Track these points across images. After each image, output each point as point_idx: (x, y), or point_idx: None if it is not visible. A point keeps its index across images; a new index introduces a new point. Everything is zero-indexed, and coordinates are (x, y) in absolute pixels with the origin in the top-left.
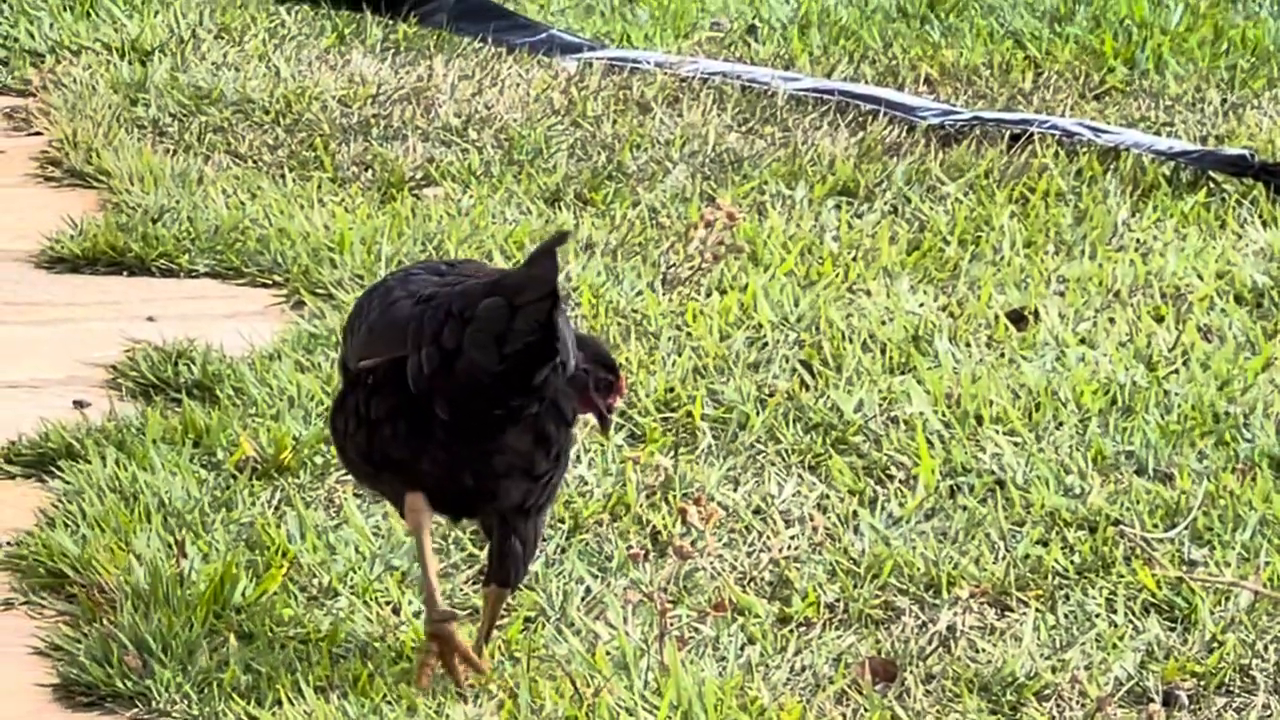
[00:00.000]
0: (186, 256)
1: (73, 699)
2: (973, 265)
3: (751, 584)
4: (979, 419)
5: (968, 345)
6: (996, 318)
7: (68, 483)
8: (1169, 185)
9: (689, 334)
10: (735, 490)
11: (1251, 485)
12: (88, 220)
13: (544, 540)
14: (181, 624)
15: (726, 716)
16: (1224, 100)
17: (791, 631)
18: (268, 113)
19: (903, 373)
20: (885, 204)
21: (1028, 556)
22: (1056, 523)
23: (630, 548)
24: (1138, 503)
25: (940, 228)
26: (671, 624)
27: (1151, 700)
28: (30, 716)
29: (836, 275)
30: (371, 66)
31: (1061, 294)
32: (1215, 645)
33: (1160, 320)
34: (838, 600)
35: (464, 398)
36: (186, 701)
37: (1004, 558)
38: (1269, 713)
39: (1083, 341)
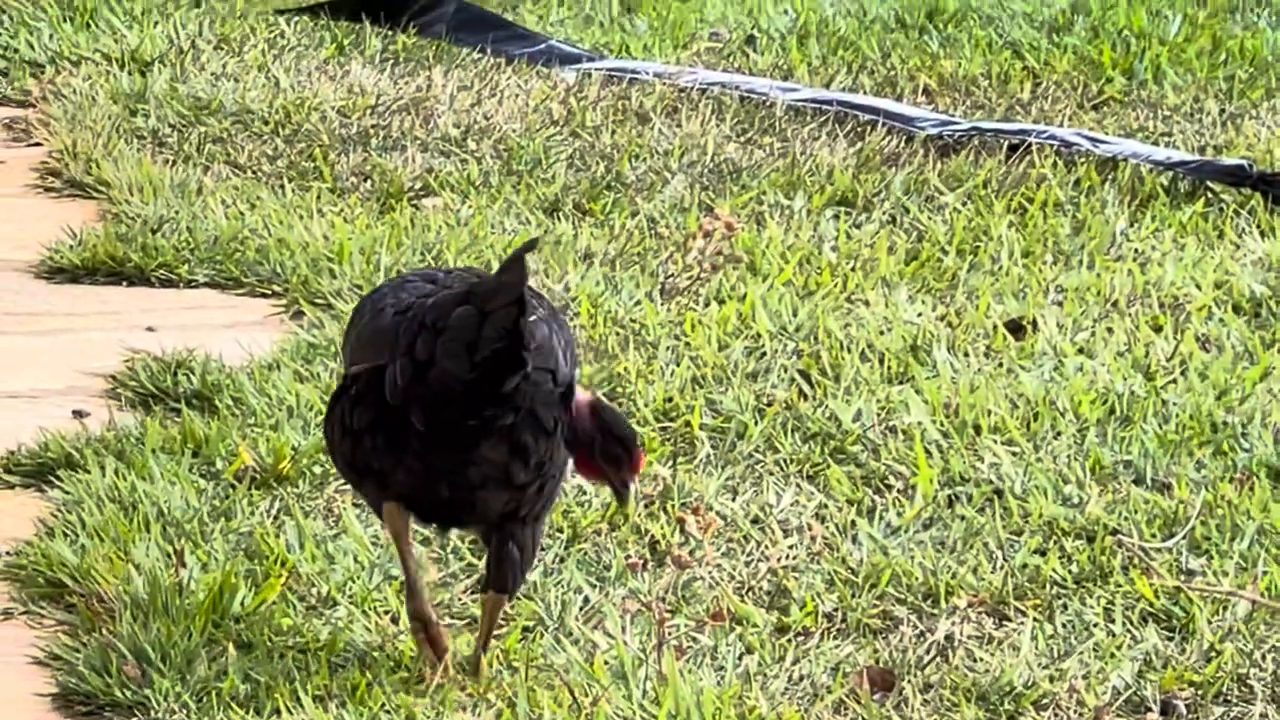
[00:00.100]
0: (186, 267)
1: (72, 708)
2: (971, 275)
3: (750, 593)
4: (977, 429)
5: (966, 355)
6: (995, 327)
7: (67, 492)
8: (1167, 195)
9: (687, 344)
10: (733, 500)
11: (1249, 495)
12: (87, 230)
13: (542, 549)
14: (180, 633)
15: None
16: (1222, 110)
17: (790, 641)
18: (267, 123)
19: (901, 382)
20: (883, 214)
21: (1026, 566)
22: (1054, 532)
23: (629, 557)
24: (1136, 512)
25: (938, 238)
26: (670, 633)
27: (1149, 710)
28: None
29: (835, 285)
30: (371, 77)
31: (1060, 304)
32: (1213, 655)
33: (1158, 330)
34: (836, 610)
35: (438, 407)
36: (185, 711)
37: (1002, 567)
38: None
39: (1081, 351)
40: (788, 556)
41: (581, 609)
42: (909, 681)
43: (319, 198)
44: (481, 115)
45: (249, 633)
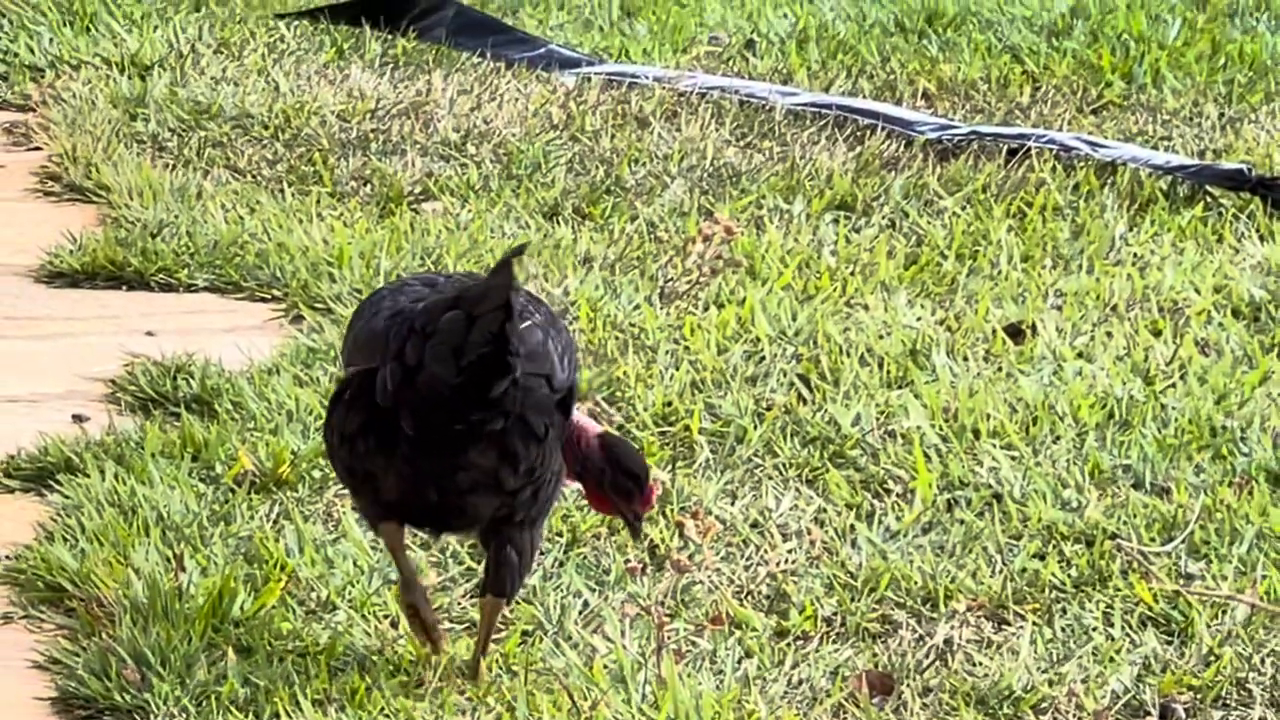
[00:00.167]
0: (185, 271)
1: (71, 712)
2: (970, 279)
3: (749, 597)
4: (976, 433)
5: (965, 359)
6: (994, 332)
7: (66, 497)
8: (1166, 200)
9: (687, 348)
10: (733, 504)
11: (1248, 499)
12: (87, 235)
13: (541, 553)
14: (180, 638)
15: None
16: (1221, 115)
17: (789, 645)
18: (267, 127)
19: (900, 387)
20: (883, 218)
21: (1025, 570)
22: (1053, 536)
23: (628, 561)
24: (1135, 516)
25: (938, 242)
26: (669, 637)
27: (1148, 714)
28: None
29: (834, 289)
30: (370, 81)
31: (1059, 308)
32: (1212, 659)
33: (1158, 334)
34: (835, 613)
35: (426, 411)
36: (185, 715)
37: (1001, 571)
38: None
39: (1080, 355)
40: (787, 560)
41: (581, 613)
42: (908, 685)
43: (318, 202)
44: (481, 119)
45: (248, 637)
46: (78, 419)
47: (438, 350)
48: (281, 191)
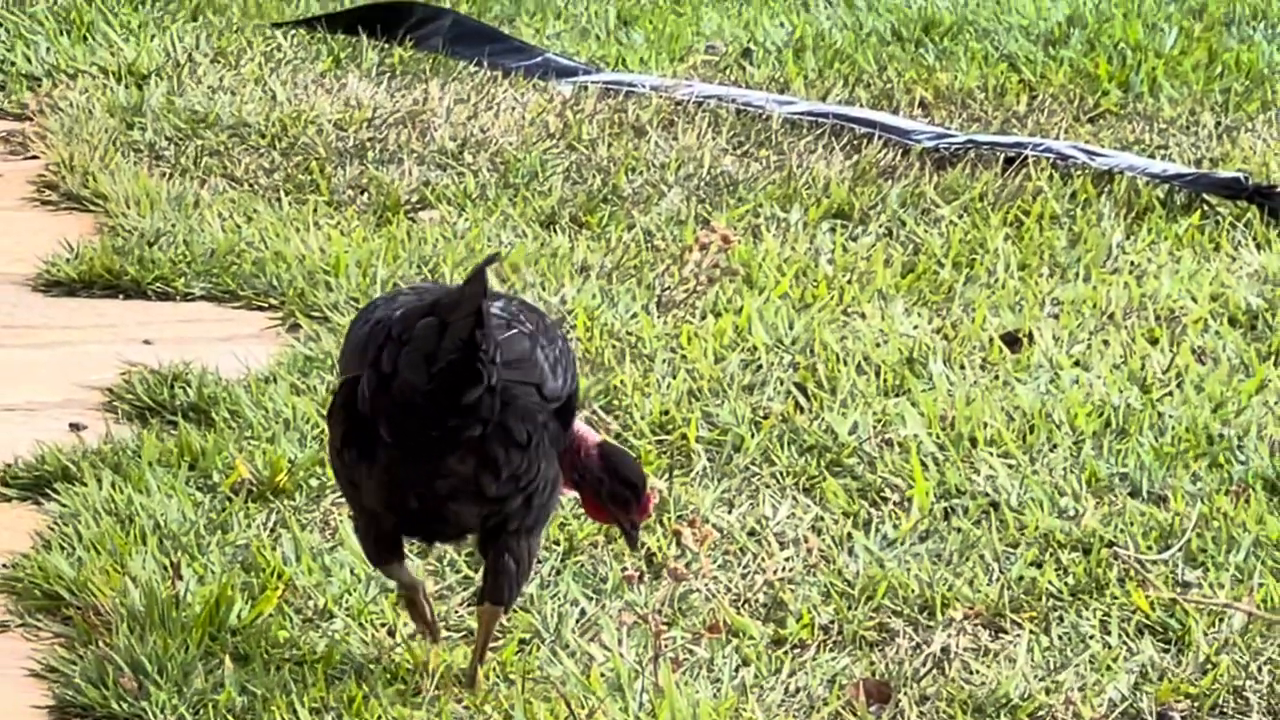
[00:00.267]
0: (182, 280)
1: None
2: (967, 288)
3: (746, 606)
4: (973, 441)
5: (962, 368)
6: (991, 340)
7: (64, 505)
8: (1163, 208)
9: (684, 356)
10: (730, 512)
11: (1245, 507)
12: (84, 243)
13: (539, 562)
14: (177, 646)
15: None
16: (1218, 123)
17: (786, 653)
18: (264, 136)
19: (897, 395)
20: (880, 227)
21: (1022, 578)
22: (1050, 544)
23: (625, 570)
24: (1132, 524)
25: (935, 250)
26: (666, 646)
27: None
28: None
29: (831, 298)
30: (367, 90)
31: (1056, 316)
32: (1209, 667)
33: (1154, 343)
34: (832, 622)
35: (401, 418)
36: None
37: (998, 579)
38: None
39: (1077, 364)
40: (784, 569)
41: (578, 621)
42: (905, 694)
43: (315, 210)
44: (478, 128)
45: (245, 645)
46: (75, 427)
47: (411, 357)
48: (278, 200)
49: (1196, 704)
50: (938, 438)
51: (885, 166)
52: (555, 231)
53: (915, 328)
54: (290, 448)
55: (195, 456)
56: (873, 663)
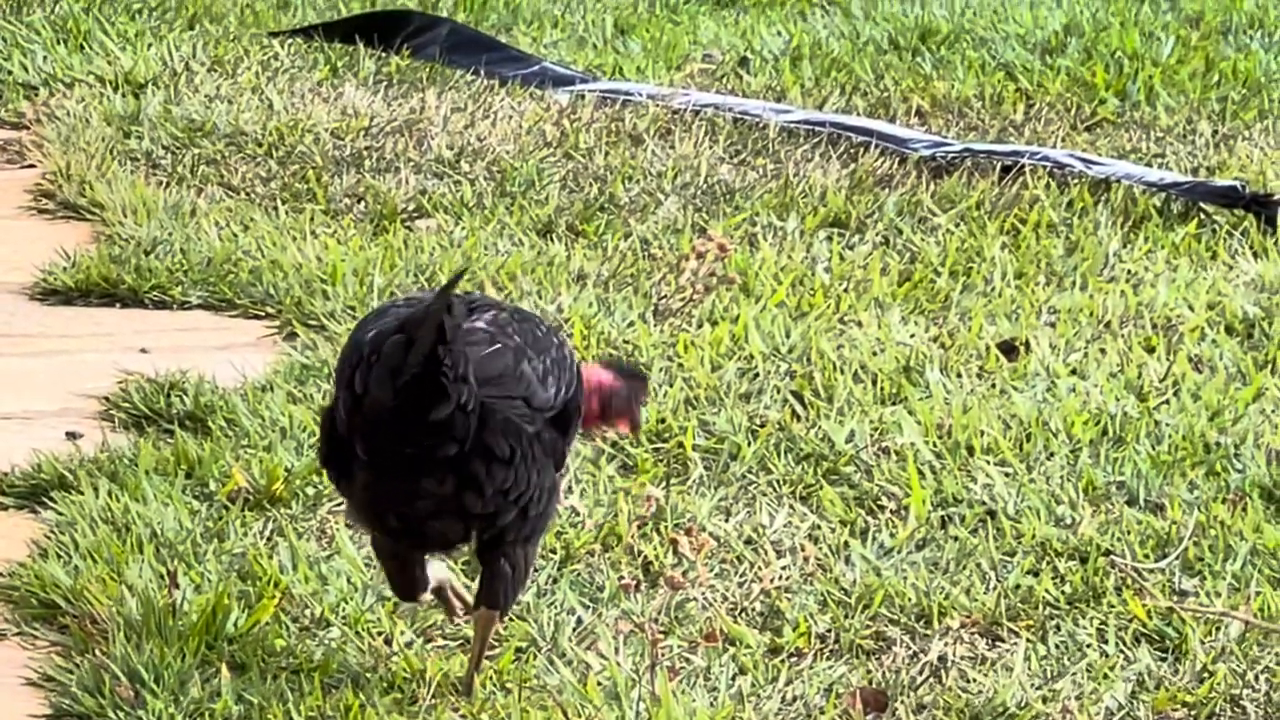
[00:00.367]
0: (179, 288)
1: None
2: (964, 296)
3: (743, 614)
4: (970, 449)
5: (959, 376)
6: (988, 348)
7: (60, 514)
8: (1160, 216)
9: (680, 365)
10: (727, 521)
11: (1242, 515)
12: (81, 252)
13: (535, 570)
14: (174, 654)
15: None
16: (1215, 132)
17: (783, 662)
18: (260, 145)
19: (894, 403)
20: (877, 235)
21: (1019, 587)
22: (1047, 553)
23: (622, 578)
24: (1128, 533)
25: (931, 259)
26: (663, 654)
27: None
28: None
29: (828, 306)
30: (364, 99)
31: (1052, 325)
32: (1206, 675)
33: (1151, 351)
34: (829, 630)
35: (373, 437)
36: None
37: (995, 588)
38: None
39: (1074, 372)
40: (781, 577)
41: (575, 630)
42: (902, 702)
43: (312, 219)
44: (475, 137)
45: (242, 654)
46: (71, 436)
47: (378, 374)
48: (275, 209)
49: (1193, 712)
50: (935, 446)
51: (882, 175)
52: (552, 240)
53: (912, 336)
54: (287, 456)
55: (192, 465)
56: (869, 671)
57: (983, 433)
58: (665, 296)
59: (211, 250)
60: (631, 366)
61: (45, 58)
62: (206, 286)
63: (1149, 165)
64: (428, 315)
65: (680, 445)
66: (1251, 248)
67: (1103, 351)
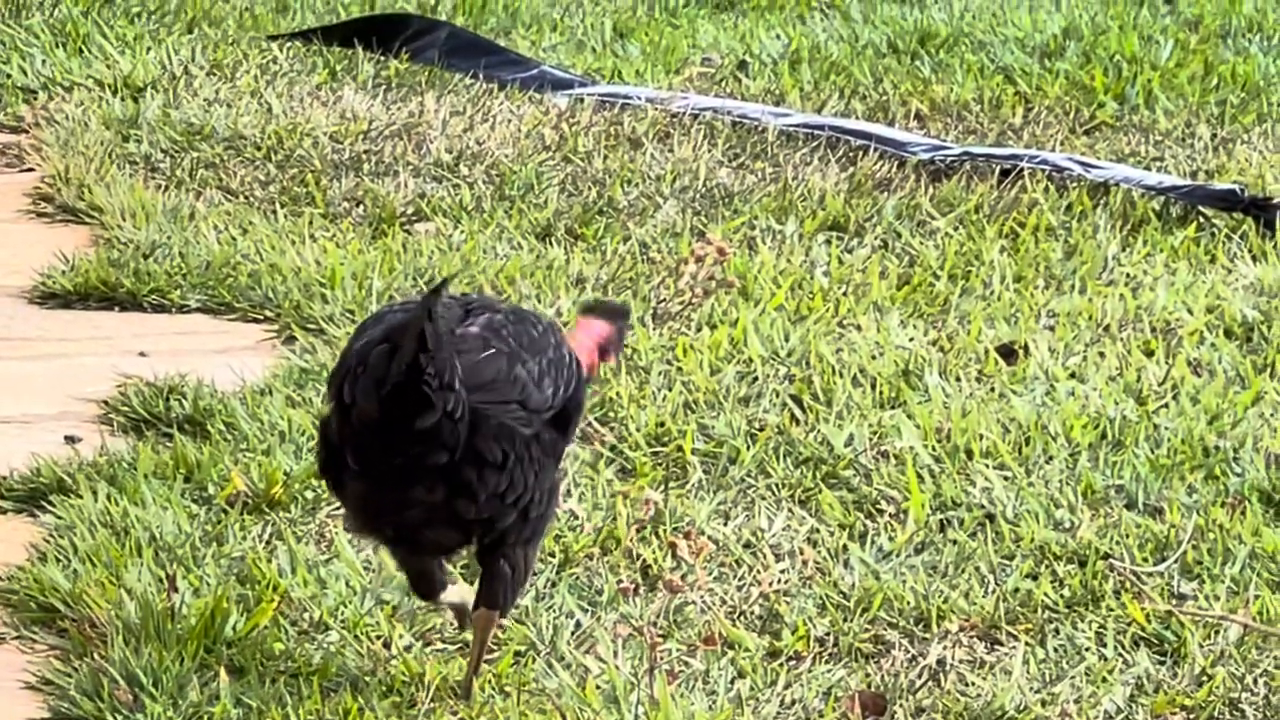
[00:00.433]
0: (178, 292)
1: None
2: (963, 300)
3: (741, 618)
4: (969, 453)
5: (958, 380)
6: (986, 352)
7: (59, 517)
8: (1159, 220)
9: (679, 368)
10: (725, 524)
11: (1241, 519)
12: (80, 256)
13: (534, 573)
14: (172, 658)
15: None
16: (1214, 135)
17: (781, 665)
18: (259, 149)
19: (893, 407)
20: (875, 239)
21: (1017, 590)
22: (1046, 556)
23: (621, 582)
24: (1127, 536)
25: (930, 263)
26: (662, 658)
27: None
28: None
29: (827, 310)
30: (363, 103)
31: (1051, 328)
32: (1205, 679)
33: (1150, 355)
34: (828, 634)
35: (362, 447)
36: None
37: (994, 591)
38: None
39: (1072, 376)
40: (779, 581)
41: (573, 633)
42: (901, 706)
43: (311, 223)
44: (474, 140)
45: (241, 657)
46: (70, 440)
47: (364, 384)
48: (274, 212)
49: (1192, 716)
50: (933, 450)
51: (881, 179)
52: (551, 243)
53: (911, 340)
54: (286, 460)
55: (191, 469)
56: (868, 675)
57: (982, 436)
58: (664, 300)
59: (210, 254)
60: (611, 304)
61: (44, 61)
62: (205, 290)
63: (1148, 169)
64: (410, 324)
65: (679, 449)
66: (1250, 251)
67: (1102, 355)
